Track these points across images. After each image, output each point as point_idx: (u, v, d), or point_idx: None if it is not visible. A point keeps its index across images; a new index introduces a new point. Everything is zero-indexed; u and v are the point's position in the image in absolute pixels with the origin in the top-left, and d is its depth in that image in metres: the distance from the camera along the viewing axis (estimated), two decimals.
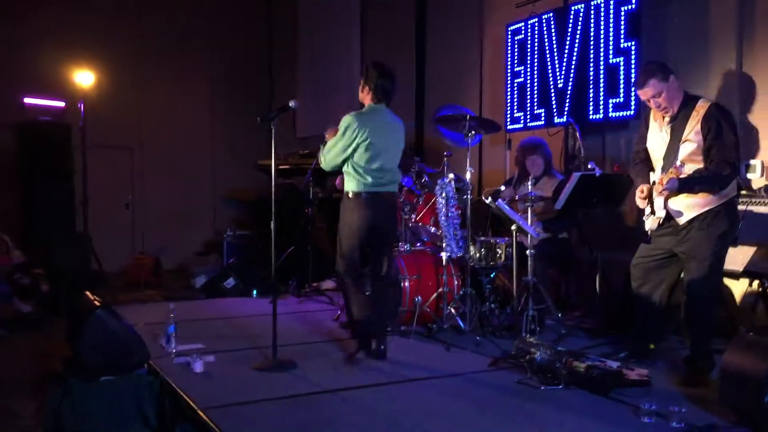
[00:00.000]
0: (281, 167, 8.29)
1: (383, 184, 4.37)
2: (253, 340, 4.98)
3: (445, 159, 5.39)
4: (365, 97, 4.44)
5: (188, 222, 10.66)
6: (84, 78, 7.86)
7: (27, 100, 8.55)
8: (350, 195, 4.35)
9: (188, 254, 10.11)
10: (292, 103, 4.28)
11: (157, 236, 10.89)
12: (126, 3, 10.28)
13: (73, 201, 8.41)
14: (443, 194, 4.88)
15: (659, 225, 3.96)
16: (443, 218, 4.87)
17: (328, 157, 4.37)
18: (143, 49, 10.40)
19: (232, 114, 11.05)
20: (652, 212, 3.96)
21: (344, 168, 4.37)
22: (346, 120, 4.29)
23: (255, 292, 6.85)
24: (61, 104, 8.70)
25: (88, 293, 4.45)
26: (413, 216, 5.39)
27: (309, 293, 6.63)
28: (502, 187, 5.81)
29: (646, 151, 4.15)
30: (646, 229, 4.01)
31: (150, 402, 3.94)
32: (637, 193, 4.02)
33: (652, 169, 4.08)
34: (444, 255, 4.93)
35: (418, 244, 5.52)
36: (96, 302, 4.15)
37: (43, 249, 7.61)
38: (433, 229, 5.30)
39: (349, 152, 4.29)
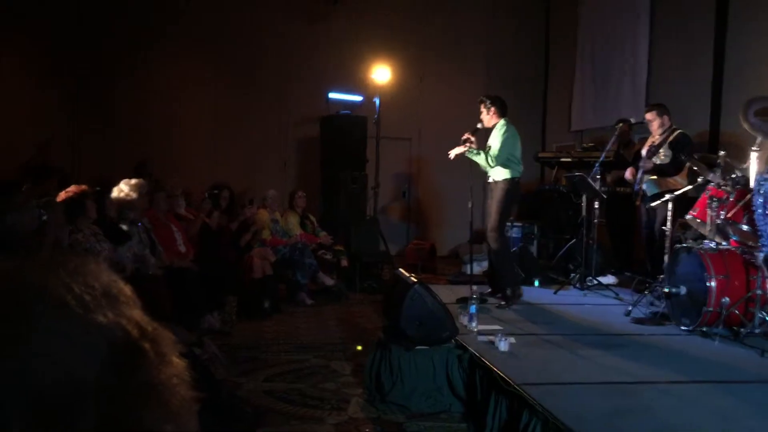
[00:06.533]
0: (562, 160, 8.29)
1: None
2: (546, 326, 5.12)
3: (753, 154, 5.04)
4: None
5: (459, 210, 11.09)
6: (381, 74, 8.57)
7: (331, 95, 9.52)
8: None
9: (460, 241, 10.52)
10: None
11: (429, 222, 11.51)
12: (415, 3, 10.95)
13: (365, 187, 9.21)
14: (762, 191, 4.56)
15: None
16: (761, 217, 4.56)
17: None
18: (426, 46, 10.99)
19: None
20: None
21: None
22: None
23: (537, 281, 6.95)
24: (359, 98, 9.56)
25: (402, 270, 4.90)
26: (722, 213, 5.09)
27: (593, 287, 6.56)
28: None
29: None
30: None
31: (458, 373, 4.25)
32: None
33: None
34: (760, 255, 4.62)
35: (724, 243, 5.20)
36: (413, 279, 4.56)
37: (341, 229, 8.47)
38: (745, 228, 4.95)
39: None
